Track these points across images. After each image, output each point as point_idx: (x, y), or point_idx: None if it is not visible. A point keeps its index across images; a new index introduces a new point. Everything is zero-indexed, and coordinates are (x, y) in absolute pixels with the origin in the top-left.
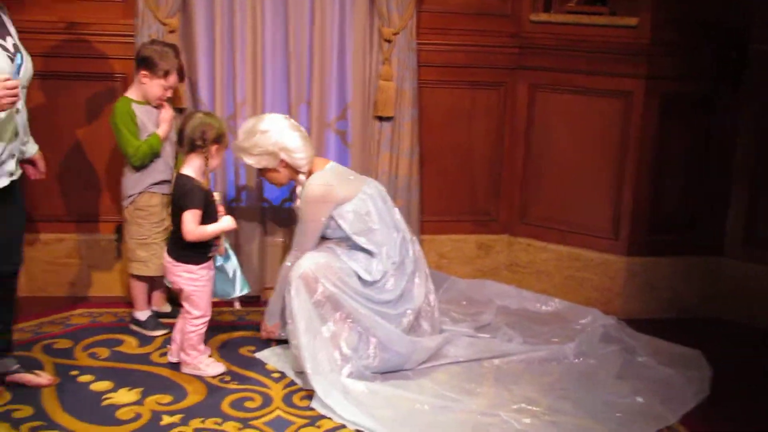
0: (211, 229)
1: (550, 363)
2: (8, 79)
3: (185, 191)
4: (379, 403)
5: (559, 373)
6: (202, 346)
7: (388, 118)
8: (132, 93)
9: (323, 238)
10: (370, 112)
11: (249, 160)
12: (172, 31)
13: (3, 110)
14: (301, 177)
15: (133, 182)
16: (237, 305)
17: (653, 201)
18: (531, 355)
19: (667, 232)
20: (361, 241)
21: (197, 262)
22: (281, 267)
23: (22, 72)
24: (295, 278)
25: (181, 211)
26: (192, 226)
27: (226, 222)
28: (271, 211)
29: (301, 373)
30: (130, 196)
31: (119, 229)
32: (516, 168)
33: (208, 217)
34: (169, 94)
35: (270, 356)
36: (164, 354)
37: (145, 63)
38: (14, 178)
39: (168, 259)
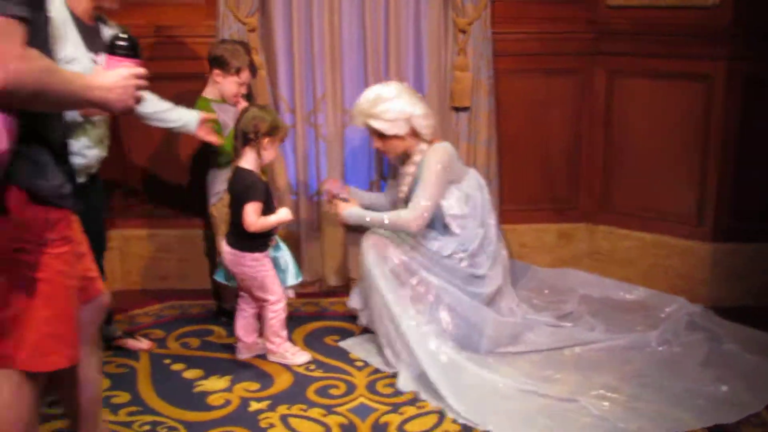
0: (272, 220)
1: (633, 351)
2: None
3: (247, 185)
4: (463, 381)
5: (641, 361)
6: (284, 332)
7: (465, 109)
8: (208, 92)
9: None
10: (446, 103)
11: (379, 125)
12: (251, 30)
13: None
14: (422, 146)
15: (220, 180)
16: (291, 294)
17: (738, 186)
18: (612, 343)
19: (752, 218)
20: (450, 222)
21: (262, 250)
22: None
23: None
24: (367, 248)
25: (242, 204)
26: (254, 218)
27: (284, 213)
28: None
29: (386, 350)
30: (218, 193)
31: None
32: (595, 155)
33: (267, 208)
34: (243, 90)
35: (354, 345)
36: None
37: (217, 62)
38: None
39: (232, 251)
